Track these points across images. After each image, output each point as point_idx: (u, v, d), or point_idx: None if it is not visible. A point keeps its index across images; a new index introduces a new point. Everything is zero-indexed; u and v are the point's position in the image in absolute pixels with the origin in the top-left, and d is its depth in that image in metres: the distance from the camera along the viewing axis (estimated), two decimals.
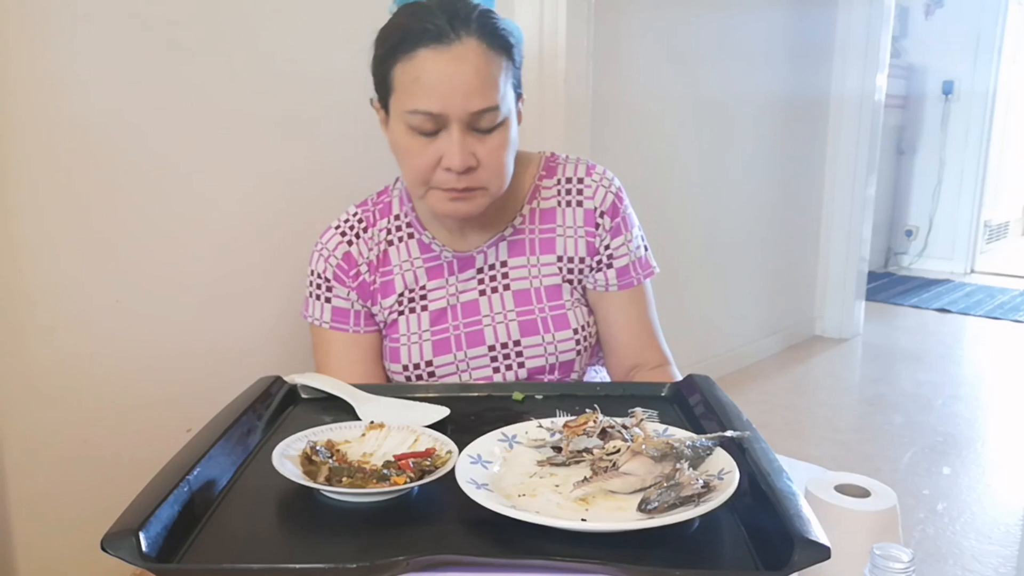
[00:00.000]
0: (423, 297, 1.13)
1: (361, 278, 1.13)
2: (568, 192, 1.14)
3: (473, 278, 1.13)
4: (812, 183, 3.60)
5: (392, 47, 0.99)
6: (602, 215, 1.13)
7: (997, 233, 5.58)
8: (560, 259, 1.13)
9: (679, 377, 1.14)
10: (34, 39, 1.16)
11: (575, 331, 1.12)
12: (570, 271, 1.14)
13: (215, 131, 1.37)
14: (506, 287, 1.13)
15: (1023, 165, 5.63)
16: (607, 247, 1.14)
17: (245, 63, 1.39)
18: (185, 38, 1.32)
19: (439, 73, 0.95)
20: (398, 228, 1.14)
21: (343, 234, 1.14)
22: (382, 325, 1.15)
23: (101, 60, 1.23)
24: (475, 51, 0.96)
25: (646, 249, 1.18)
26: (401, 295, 1.13)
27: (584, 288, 1.16)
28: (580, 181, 1.14)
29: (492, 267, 1.13)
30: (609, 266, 1.14)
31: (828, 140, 3.59)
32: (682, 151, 2.81)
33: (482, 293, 1.13)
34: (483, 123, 0.98)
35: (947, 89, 5.01)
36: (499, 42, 0.99)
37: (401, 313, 1.13)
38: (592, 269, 1.14)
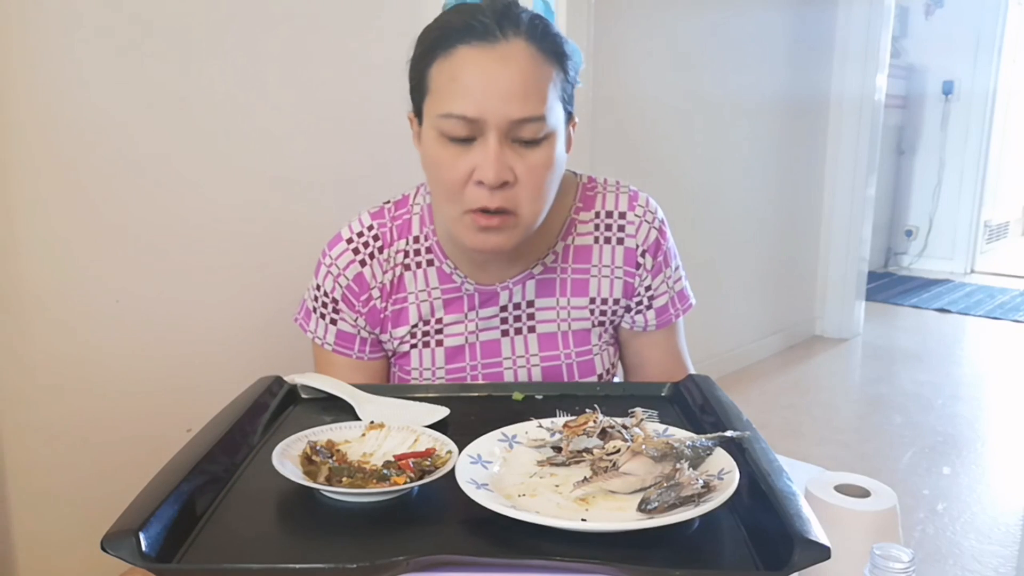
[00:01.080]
0: (439, 331, 1.04)
1: (372, 303, 1.02)
2: (608, 228, 1.03)
3: (496, 316, 1.04)
4: (812, 183, 3.60)
5: (431, 44, 0.89)
6: (643, 254, 1.04)
7: (997, 233, 5.58)
8: (592, 301, 1.04)
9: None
10: (36, 39, 1.16)
11: (599, 376, 1.07)
12: (602, 313, 1.05)
13: (215, 132, 1.37)
14: (531, 329, 1.04)
15: (1023, 165, 5.63)
16: (648, 288, 1.06)
17: (245, 64, 1.39)
18: (186, 40, 1.32)
19: (479, 73, 0.85)
20: (417, 252, 1.02)
21: (356, 251, 1.01)
22: (391, 353, 1.07)
23: (102, 61, 1.23)
24: (523, 53, 0.85)
25: (685, 280, 1.11)
26: (415, 327, 1.03)
27: (616, 327, 1.09)
28: (622, 216, 1.03)
29: (517, 306, 1.04)
30: (649, 307, 1.07)
31: (828, 140, 3.59)
32: (682, 151, 2.81)
33: (504, 334, 1.04)
34: (524, 134, 0.86)
35: (947, 89, 5.01)
36: (551, 47, 0.88)
37: (414, 346, 1.04)
38: (629, 311, 1.07)
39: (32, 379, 1.23)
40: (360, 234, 1.03)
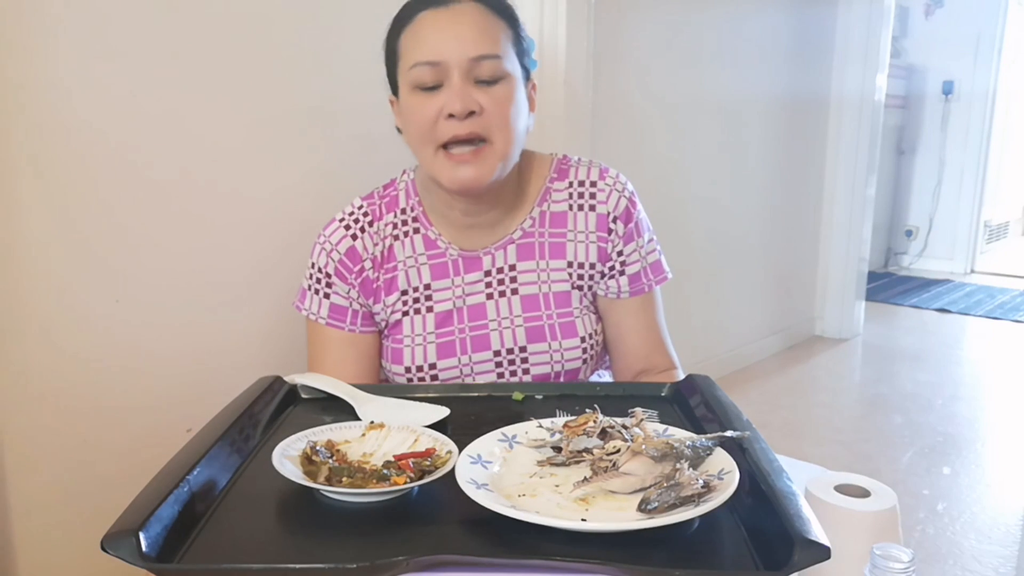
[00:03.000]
0: (428, 298, 1.11)
1: (365, 274, 1.10)
2: (580, 196, 1.12)
3: (480, 280, 1.11)
4: (812, 183, 3.60)
5: (397, 19, 1.03)
6: (615, 220, 1.11)
7: (997, 233, 5.58)
8: (570, 264, 1.11)
9: (679, 367, 1.15)
10: (36, 39, 1.16)
11: (582, 339, 1.11)
12: (580, 277, 1.12)
13: (215, 132, 1.38)
14: (514, 291, 1.11)
15: (1023, 165, 5.63)
16: (620, 253, 1.12)
17: (246, 64, 1.39)
18: (187, 38, 1.32)
19: (438, 27, 0.99)
20: (404, 223, 1.12)
21: (347, 227, 1.11)
22: (383, 325, 1.13)
23: (102, 60, 1.23)
24: (473, 9, 1.00)
25: (659, 254, 1.16)
26: (405, 293, 1.10)
27: (594, 295, 1.15)
28: (593, 184, 1.12)
29: (500, 270, 1.11)
30: (622, 273, 1.12)
31: (828, 140, 3.59)
32: (682, 151, 2.81)
33: (489, 296, 1.11)
34: (484, 72, 0.98)
35: (947, 89, 5.00)
36: (498, 5, 1.02)
37: (406, 313, 1.11)
38: (604, 276, 1.13)
39: (32, 379, 1.23)
40: (351, 213, 1.12)
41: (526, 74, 1.06)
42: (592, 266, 1.12)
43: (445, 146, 1.00)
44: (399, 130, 1.09)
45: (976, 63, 4.92)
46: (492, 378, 1.11)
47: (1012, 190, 5.67)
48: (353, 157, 1.55)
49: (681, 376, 1.16)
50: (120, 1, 1.24)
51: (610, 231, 1.11)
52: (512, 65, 1.01)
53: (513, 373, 1.11)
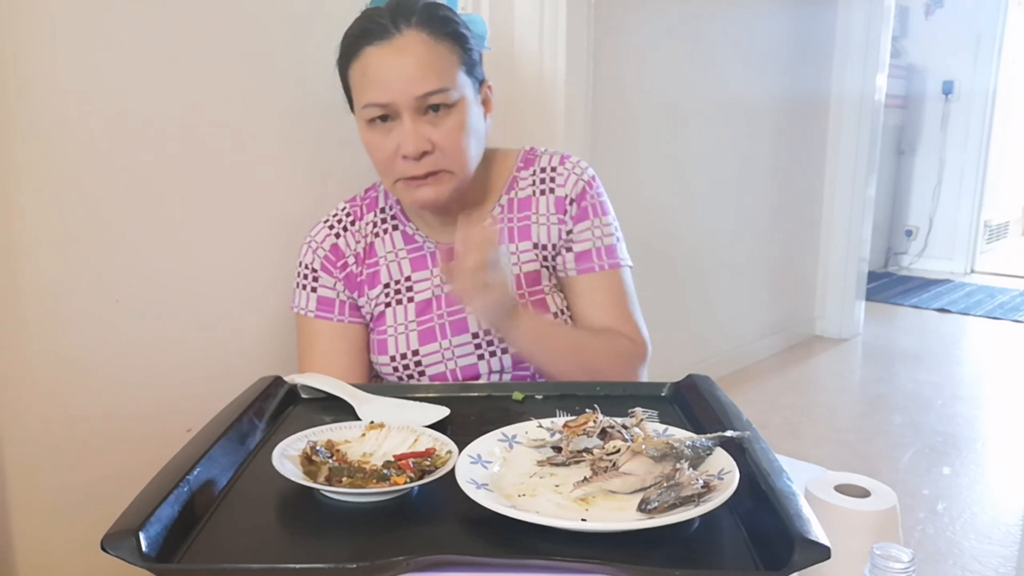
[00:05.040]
0: (409, 289, 1.16)
1: (348, 269, 1.17)
2: (543, 181, 1.17)
3: None
4: (812, 183, 3.60)
5: (344, 52, 1.07)
6: (571, 202, 1.15)
7: (997, 233, 5.58)
8: (535, 246, 1.16)
9: (650, 351, 1.16)
10: (35, 39, 1.17)
11: (555, 315, 1.15)
12: (545, 258, 1.16)
13: (216, 133, 1.37)
14: None
15: (1023, 165, 5.63)
16: (569, 232, 1.16)
17: (248, 63, 1.39)
18: (189, 38, 1.32)
19: (382, 66, 1.01)
20: (383, 220, 1.19)
21: (331, 227, 1.19)
22: (368, 317, 1.18)
23: (103, 60, 1.23)
24: (416, 41, 1.01)
25: (618, 240, 1.17)
26: (387, 285, 1.16)
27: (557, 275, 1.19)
28: (553, 170, 1.17)
29: None
30: (568, 250, 1.16)
31: (828, 140, 3.59)
32: (682, 151, 2.81)
33: None
34: (432, 106, 1.02)
35: (947, 89, 5.00)
36: (443, 29, 1.03)
37: (388, 305, 1.16)
38: (558, 254, 1.17)
39: (31, 380, 1.23)
40: (335, 215, 1.21)
41: (478, 84, 1.09)
42: (554, 247, 1.16)
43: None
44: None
45: (976, 63, 4.92)
46: (472, 360, 1.14)
47: (1012, 190, 5.67)
48: (356, 161, 1.55)
49: (648, 348, 1.17)
50: (117, 1, 1.24)
51: (565, 211, 1.16)
52: (463, 87, 1.04)
53: (492, 354, 1.14)
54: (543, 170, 1.17)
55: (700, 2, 2.74)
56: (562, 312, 1.16)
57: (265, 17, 1.41)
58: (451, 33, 1.04)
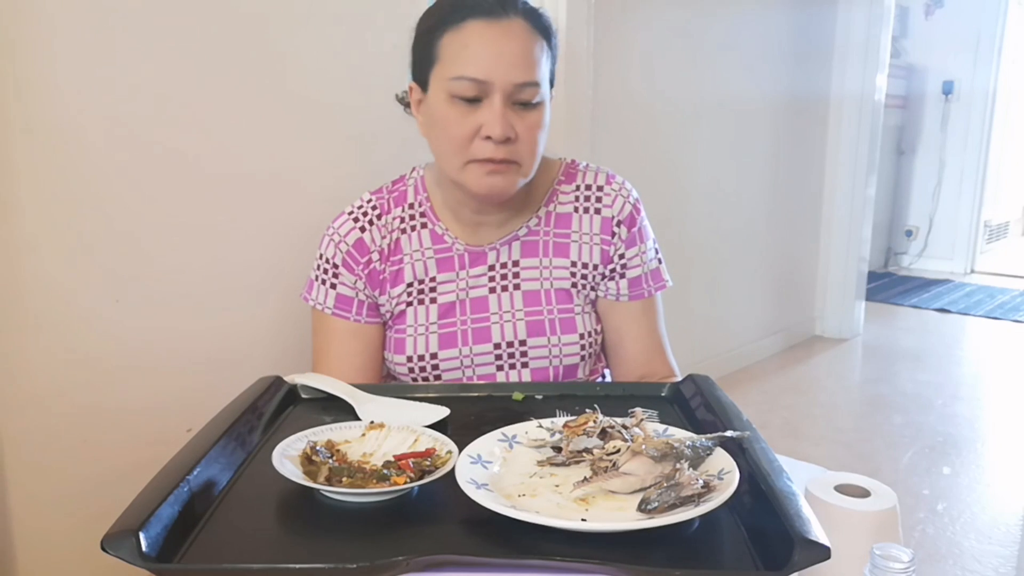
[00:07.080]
0: (432, 289, 1.13)
1: (372, 266, 1.12)
2: (587, 199, 1.14)
3: (484, 274, 1.13)
4: (812, 183, 3.60)
5: (442, 18, 1.02)
6: (619, 224, 1.13)
7: (997, 233, 5.58)
8: (573, 264, 1.13)
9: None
10: (35, 39, 1.16)
11: (581, 336, 1.13)
12: (583, 277, 1.14)
13: (217, 132, 1.37)
14: (516, 286, 1.13)
15: (1023, 165, 5.63)
16: (621, 256, 1.14)
17: (251, 62, 1.39)
18: (191, 36, 1.31)
19: (488, 42, 0.98)
20: (411, 217, 1.14)
21: (356, 220, 1.13)
22: (388, 316, 1.14)
23: (102, 60, 1.23)
24: (522, 29, 1.00)
25: (660, 262, 1.18)
26: (411, 285, 1.13)
27: (596, 296, 1.16)
28: (600, 189, 1.14)
29: (504, 265, 1.13)
30: (622, 276, 1.14)
31: (828, 140, 3.59)
32: (682, 151, 2.81)
33: (492, 290, 1.13)
34: (524, 97, 1.00)
35: (947, 89, 5.00)
36: (542, 25, 1.03)
37: (410, 304, 1.13)
38: (604, 277, 1.15)
39: (31, 379, 1.23)
40: (360, 207, 1.15)
41: (550, 92, 1.07)
42: (595, 267, 1.14)
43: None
44: (407, 107, 1.11)
45: (976, 63, 4.92)
46: (492, 370, 1.12)
47: (1012, 190, 5.67)
48: (362, 156, 1.55)
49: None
50: (119, 1, 1.24)
51: (613, 234, 1.13)
52: (545, 86, 1.03)
53: (512, 366, 1.12)
54: (588, 187, 1.14)
55: (700, 2, 2.74)
56: (589, 335, 1.14)
57: (267, 14, 1.41)
58: (547, 31, 1.04)
